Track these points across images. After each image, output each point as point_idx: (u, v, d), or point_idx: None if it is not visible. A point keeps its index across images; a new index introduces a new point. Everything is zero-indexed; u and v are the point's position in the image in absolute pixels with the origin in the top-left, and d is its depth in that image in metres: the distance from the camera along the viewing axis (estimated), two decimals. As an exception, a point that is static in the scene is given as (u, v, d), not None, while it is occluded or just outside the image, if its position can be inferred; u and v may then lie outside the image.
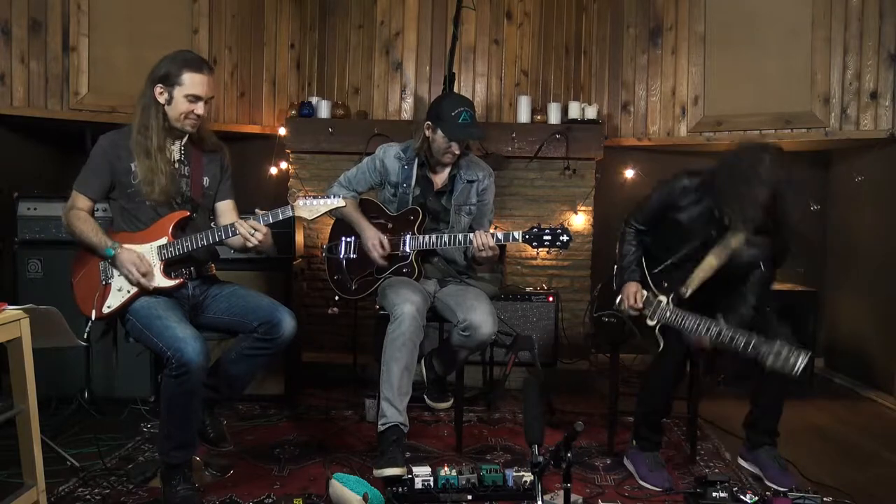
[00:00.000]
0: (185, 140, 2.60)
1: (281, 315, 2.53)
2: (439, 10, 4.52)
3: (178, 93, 2.48)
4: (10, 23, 3.74)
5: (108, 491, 2.55)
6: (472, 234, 2.84)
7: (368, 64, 4.61)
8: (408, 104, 4.59)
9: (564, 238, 2.78)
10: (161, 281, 2.49)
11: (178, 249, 2.49)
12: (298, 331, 2.59)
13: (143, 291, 2.48)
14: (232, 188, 2.78)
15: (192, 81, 2.48)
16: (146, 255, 2.48)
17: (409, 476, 2.38)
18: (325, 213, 2.53)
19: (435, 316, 2.97)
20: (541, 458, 2.01)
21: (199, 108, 2.51)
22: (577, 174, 4.34)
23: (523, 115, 4.36)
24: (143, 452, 2.95)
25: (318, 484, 2.65)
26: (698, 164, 2.96)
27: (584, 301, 4.16)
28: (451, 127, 2.90)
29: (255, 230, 2.47)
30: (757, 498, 2.39)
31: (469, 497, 2.32)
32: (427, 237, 2.96)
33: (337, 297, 3.19)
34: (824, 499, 2.50)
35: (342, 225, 3.16)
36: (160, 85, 2.49)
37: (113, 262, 2.46)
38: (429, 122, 2.97)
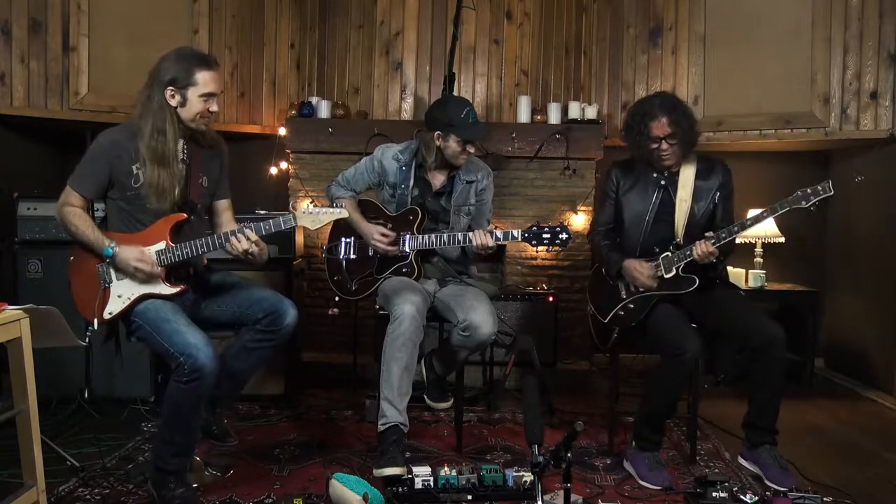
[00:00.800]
0: (186, 139, 2.53)
1: (284, 306, 2.52)
2: (439, 10, 4.52)
3: (193, 94, 2.41)
4: (10, 23, 3.74)
5: (108, 491, 2.55)
6: (471, 234, 2.85)
7: (368, 64, 4.61)
8: (408, 104, 4.59)
9: (563, 236, 2.79)
10: (163, 288, 2.43)
11: (178, 255, 2.43)
12: (299, 330, 2.60)
13: (146, 297, 2.42)
14: (229, 186, 2.73)
15: (205, 80, 2.42)
16: None
17: (409, 476, 2.38)
18: (329, 222, 2.46)
19: (435, 316, 2.97)
20: (541, 458, 2.01)
21: (214, 105, 2.46)
22: (577, 174, 4.34)
23: (523, 115, 4.36)
24: (143, 452, 2.95)
25: (318, 484, 2.65)
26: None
27: (584, 301, 4.16)
28: (464, 129, 2.92)
29: (249, 246, 2.41)
30: (757, 498, 2.39)
31: (469, 497, 2.33)
32: (426, 237, 2.96)
33: (337, 298, 3.19)
34: (824, 499, 2.50)
35: (342, 226, 3.16)
36: (171, 88, 2.41)
37: (112, 261, 2.40)
38: (439, 132, 2.96)
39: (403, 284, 2.88)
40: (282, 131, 4.41)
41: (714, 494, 2.39)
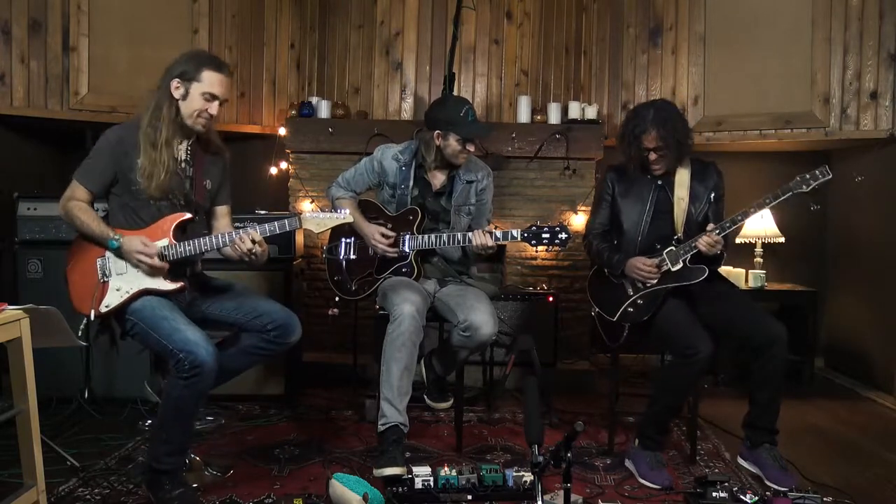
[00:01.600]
0: (192, 140, 2.57)
1: (294, 321, 2.58)
2: (439, 10, 4.52)
3: (195, 89, 2.46)
4: (10, 23, 3.74)
5: (108, 491, 2.55)
6: (471, 234, 2.85)
7: (368, 64, 4.61)
8: (408, 104, 4.59)
9: (563, 236, 2.78)
10: (162, 283, 2.46)
11: (181, 252, 2.46)
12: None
13: (144, 293, 2.44)
14: (230, 192, 2.76)
15: (210, 80, 2.46)
16: None
17: (409, 476, 2.38)
18: (333, 226, 2.50)
19: (435, 316, 2.97)
20: (541, 458, 2.01)
21: (213, 108, 2.49)
22: (577, 174, 4.34)
23: (523, 115, 4.36)
24: (143, 452, 2.94)
25: (318, 484, 2.65)
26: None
27: (584, 301, 4.16)
28: (463, 128, 2.92)
29: (252, 247, 2.43)
30: (757, 498, 2.38)
31: (469, 497, 2.33)
32: (426, 237, 2.96)
33: (337, 298, 3.19)
34: (824, 499, 2.50)
35: (342, 226, 3.15)
36: (177, 80, 2.46)
37: (118, 253, 2.43)
38: (438, 132, 2.96)
39: (403, 284, 2.88)
40: (282, 131, 4.41)
41: (714, 494, 2.39)
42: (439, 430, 3.35)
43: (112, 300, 2.45)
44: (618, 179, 3.01)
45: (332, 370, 4.08)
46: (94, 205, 2.55)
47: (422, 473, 2.37)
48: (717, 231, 2.74)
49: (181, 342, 2.29)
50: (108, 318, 2.48)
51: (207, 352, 2.28)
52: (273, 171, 4.54)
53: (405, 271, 2.99)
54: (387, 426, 2.66)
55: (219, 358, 2.35)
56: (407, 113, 4.58)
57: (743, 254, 4.47)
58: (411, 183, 3.05)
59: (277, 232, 2.46)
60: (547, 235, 2.79)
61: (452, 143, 2.94)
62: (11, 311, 2.05)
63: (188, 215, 2.52)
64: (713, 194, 2.93)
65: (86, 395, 3.43)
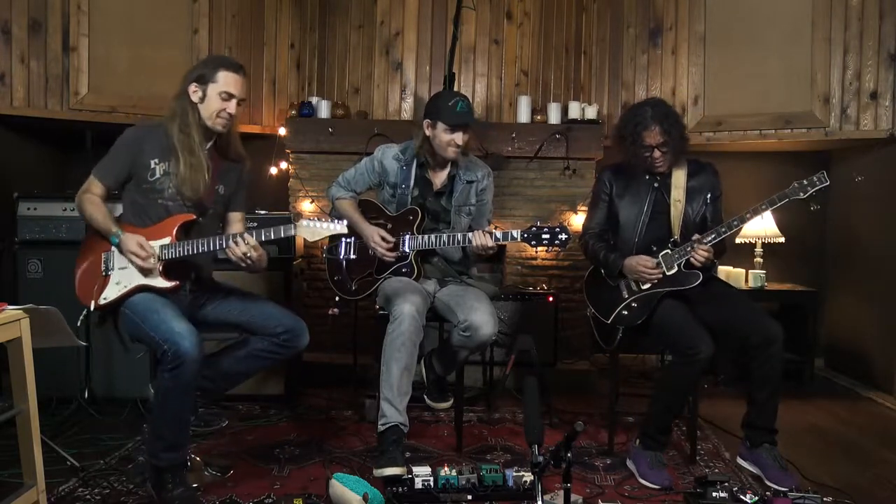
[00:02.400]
0: (209, 144, 2.61)
1: (303, 327, 2.62)
2: (439, 10, 4.52)
3: (212, 90, 2.52)
4: (10, 23, 3.74)
5: (108, 491, 2.55)
6: (471, 234, 2.84)
7: (368, 64, 4.61)
8: (408, 104, 4.59)
9: (563, 237, 2.78)
10: (159, 281, 2.49)
11: (179, 251, 2.49)
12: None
13: (141, 289, 2.48)
14: (245, 201, 2.81)
15: (226, 80, 2.53)
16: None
17: (409, 476, 2.38)
18: (326, 237, 2.50)
19: (435, 316, 2.97)
20: (541, 458, 2.01)
21: (232, 107, 2.55)
22: (577, 174, 4.34)
23: (523, 115, 4.36)
24: (143, 452, 2.94)
25: (318, 484, 2.65)
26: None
27: (584, 301, 4.15)
28: (448, 115, 2.90)
29: (246, 250, 2.45)
30: (757, 498, 2.38)
31: (469, 497, 2.33)
32: (426, 237, 2.96)
33: (337, 298, 3.19)
34: (824, 499, 2.50)
35: (342, 225, 3.16)
36: (194, 84, 2.53)
37: (118, 248, 2.49)
38: (427, 120, 2.97)
39: (403, 284, 2.88)
40: (282, 131, 4.41)
41: (714, 494, 2.39)
42: (439, 430, 3.35)
43: (111, 293, 2.49)
44: (614, 179, 3.01)
45: (332, 370, 4.08)
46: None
47: (422, 473, 2.37)
48: (713, 236, 2.74)
49: (166, 333, 2.33)
50: (106, 310, 2.52)
51: (191, 343, 2.30)
52: (273, 171, 4.54)
53: (405, 271, 2.99)
54: (387, 426, 2.66)
55: (203, 350, 2.36)
56: (407, 113, 4.58)
57: (743, 254, 4.47)
58: (412, 183, 3.05)
59: (272, 238, 2.49)
60: (547, 236, 2.79)
61: (440, 132, 2.93)
62: (11, 311, 2.05)
63: (192, 217, 2.56)
64: (710, 195, 2.93)
65: (86, 395, 3.43)
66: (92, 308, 2.50)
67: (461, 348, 2.86)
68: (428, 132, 2.98)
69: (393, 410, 2.67)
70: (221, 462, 2.82)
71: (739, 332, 2.73)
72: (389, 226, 3.03)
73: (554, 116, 4.35)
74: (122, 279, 2.50)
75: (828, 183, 2.68)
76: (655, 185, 2.93)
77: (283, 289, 3.68)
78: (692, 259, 2.76)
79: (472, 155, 3.23)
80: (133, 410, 3.40)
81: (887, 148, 4.09)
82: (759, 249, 4.41)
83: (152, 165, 2.53)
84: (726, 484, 2.42)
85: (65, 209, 3.49)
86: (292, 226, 2.48)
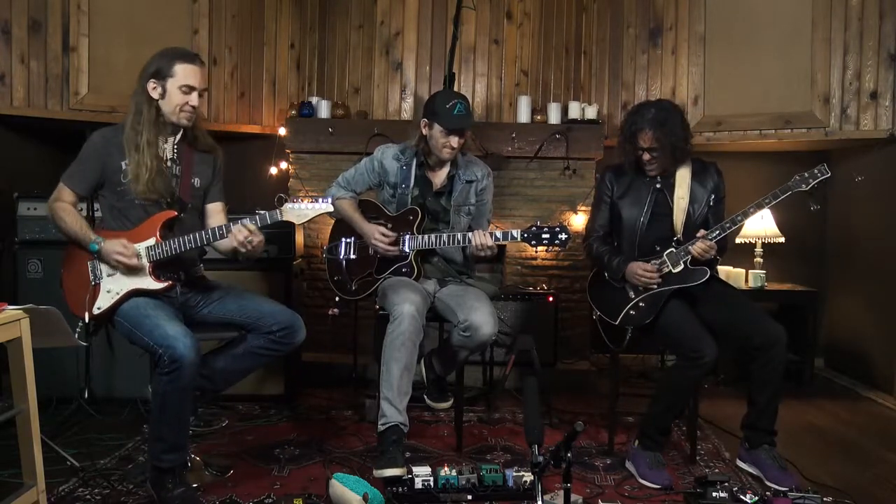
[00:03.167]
0: (178, 138, 2.59)
1: (299, 322, 2.61)
2: (439, 10, 4.52)
3: (172, 85, 2.49)
4: (10, 23, 3.74)
5: (107, 491, 2.55)
6: (470, 234, 2.84)
7: (368, 64, 4.61)
8: (408, 104, 4.59)
9: (563, 236, 2.78)
10: (150, 283, 2.48)
11: (166, 250, 2.48)
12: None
13: (134, 293, 2.47)
14: (223, 190, 2.77)
15: (184, 72, 2.49)
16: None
17: (409, 476, 2.38)
18: (314, 217, 2.49)
19: (435, 316, 2.97)
20: (541, 458, 2.01)
21: (194, 99, 2.52)
22: (577, 174, 4.34)
23: (523, 115, 4.36)
24: (142, 452, 2.94)
25: (318, 484, 2.65)
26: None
27: (584, 301, 4.16)
28: (446, 118, 2.90)
29: (251, 235, 2.45)
30: (757, 498, 2.38)
31: (469, 497, 2.32)
32: (426, 237, 2.96)
33: (337, 298, 3.19)
34: (824, 499, 2.50)
35: (342, 226, 3.17)
36: (153, 80, 2.49)
37: (98, 255, 2.46)
38: (425, 120, 2.97)
39: (403, 284, 2.88)
40: (282, 131, 4.41)
41: (714, 494, 2.39)
42: (439, 430, 3.35)
43: (104, 302, 2.47)
44: (616, 180, 3.00)
45: (332, 370, 4.08)
46: (93, 203, 2.57)
47: (422, 473, 2.37)
48: (717, 232, 2.74)
49: (161, 337, 2.32)
50: (102, 319, 2.51)
51: (186, 346, 2.29)
52: (273, 171, 4.54)
53: (405, 271, 2.99)
54: (387, 426, 2.66)
55: (200, 352, 2.36)
56: (407, 113, 4.58)
57: (743, 254, 4.47)
58: (412, 182, 3.05)
59: (259, 225, 2.48)
60: (547, 236, 2.79)
61: (436, 133, 2.93)
62: (11, 311, 2.05)
63: (174, 213, 2.54)
64: (713, 195, 2.92)
65: (86, 395, 3.42)
66: (87, 319, 2.47)
67: (461, 348, 2.86)
68: (425, 132, 2.98)
69: (393, 410, 2.67)
70: (221, 462, 2.82)
71: (741, 334, 2.73)
72: (389, 226, 3.03)
73: (554, 116, 4.35)
74: (112, 286, 2.48)
75: (829, 174, 2.68)
76: (657, 185, 2.92)
77: (284, 289, 3.67)
78: (692, 251, 2.75)
79: (472, 155, 3.22)
80: (133, 410, 3.41)
81: (887, 148, 4.09)
82: (759, 249, 4.41)
83: (124, 167, 2.50)
84: (726, 484, 2.43)
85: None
86: (277, 211, 2.47)
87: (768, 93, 4.20)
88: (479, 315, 2.75)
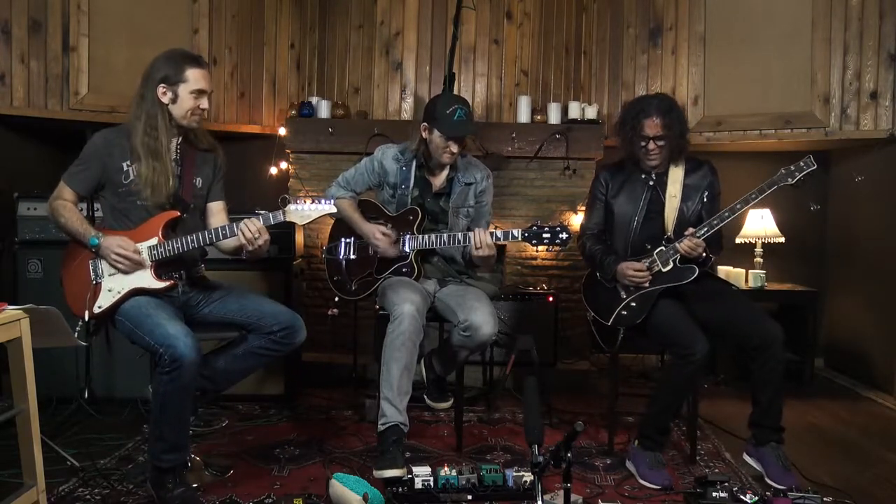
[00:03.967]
0: (180, 139, 2.60)
1: (299, 323, 2.61)
2: (439, 10, 4.52)
3: (184, 90, 2.50)
4: (10, 23, 3.73)
5: (107, 491, 2.55)
6: (470, 233, 2.84)
7: (368, 64, 4.61)
8: (408, 104, 4.59)
9: (563, 236, 2.78)
10: (151, 282, 2.49)
11: (169, 250, 2.48)
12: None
13: (135, 292, 2.47)
14: (223, 189, 2.78)
15: (195, 77, 2.51)
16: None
17: (409, 476, 2.38)
18: (317, 218, 2.49)
19: (435, 316, 2.97)
20: (541, 458, 2.01)
21: (205, 103, 2.54)
22: (577, 174, 4.34)
23: (523, 115, 4.36)
24: (143, 452, 2.94)
25: (318, 484, 2.65)
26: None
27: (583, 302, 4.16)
28: (446, 124, 2.90)
29: (258, 233, 2.45)
30: (757, 498, 2.38)
31: (469, 497, 2.32)
32: (426, 237, 2.96)
33: (337, 298, 3.19)
34: (824, 499, 2.50)
35: (342, 226, 3.17)
36: (163, 85, 2.49)
37: (98, 251, 2.46)
38: (425, 124, 2.97)
39: (403, 284, 2.88)
40: (282, 131, 4.40)
41: (714, 494, 2.39)
42: (439, 430, 3.35)
43: (104, 301, 2.47)
44: (611, 179, 3.01)
45: (332, 370, 4.08)
46: (94, 204, 2.57)
47: (422, 473, 2.37)
48: (706, 229, 2.74)
49: (161, 337, 2.32)
50: (102, 318, 2.51)
51: (186, 345, 2.29)
52: (273, 171, 4.54)
53: (405, 271, 2.99)
54: (387, 426, 2.66)
55: (200, 351, 2.35)
56: (407, 113, 4.58)
57: (743, 254, 4.47)
58: (412, 183, 3.05)
59: (262, 225, 2.47)
60: (547, 235, 2.79)
61: (435, 138, 2.93)
62: (11, 311, 2.05)
63: (176, 213, 2.55)
64: (707, 193, 2.93)
65: (86, 395, 3.42)
66: (87, 318, 2.47)
67: (461, 348, 2.86)
68: (425, 135, 2.97)
69: (393, 410, 2.67)
70: (221, 462, 2.82)
71: (740, 333, 2.73)
72: (389, 226, 3.03)
73: (554, 116, 4.35)
74: (113, 285, 2.47)
75: (815, 166, 2.68)
76: (651, 183, 2.93)
77: (283, 289, 3.67)
78: (679, 249, 2.76)
79: (471, 156, 3.22)
80: (133, 410, 3.41)
81: (887, 148, 4.09)
82: (759, 249, 4.41)
83: (125, 168, 2.51)
84: (726, 484, 2.43)
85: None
86: (281, 212, 2.47)
87: (768, 93, 4.20)
88: (479, 315, 2.75)
